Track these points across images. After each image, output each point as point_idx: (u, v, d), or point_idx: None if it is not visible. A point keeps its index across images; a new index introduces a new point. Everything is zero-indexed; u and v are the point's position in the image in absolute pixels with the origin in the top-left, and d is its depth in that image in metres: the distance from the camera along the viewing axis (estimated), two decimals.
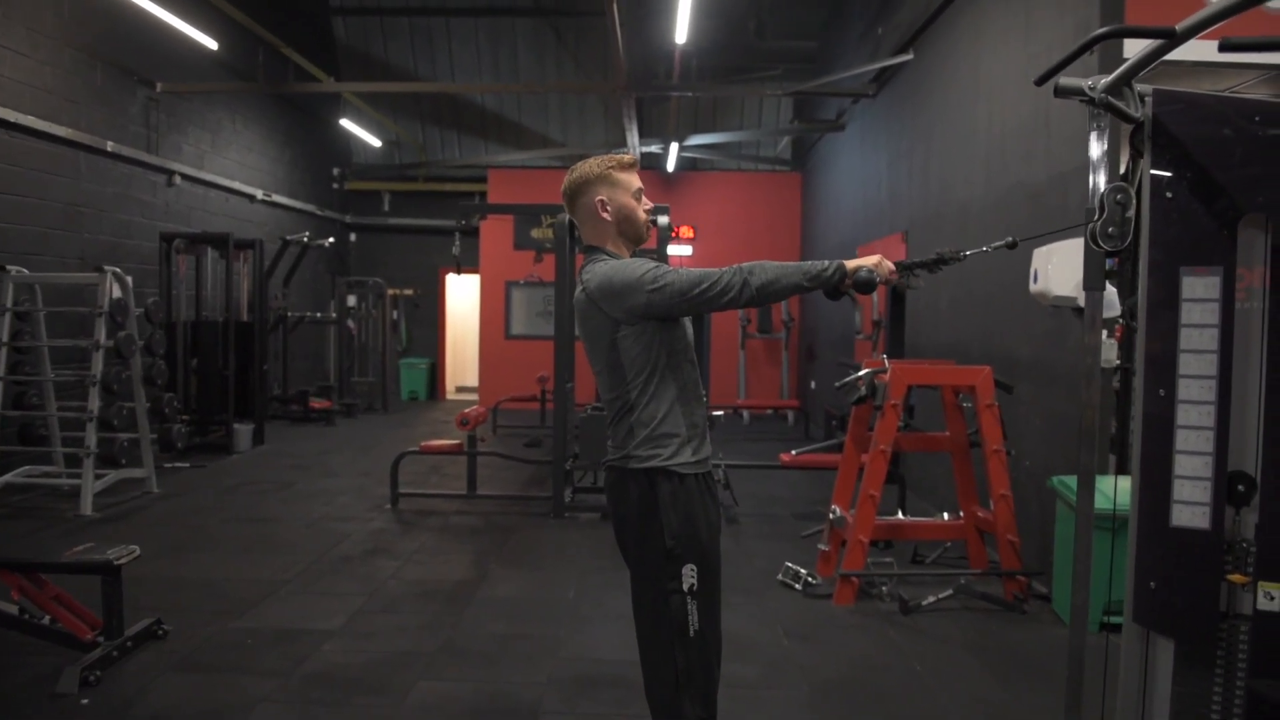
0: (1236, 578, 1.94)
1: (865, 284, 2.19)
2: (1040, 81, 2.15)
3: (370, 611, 4.14)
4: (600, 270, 2.18)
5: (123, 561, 3.44)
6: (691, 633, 2.12)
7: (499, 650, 3.70)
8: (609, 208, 2.25)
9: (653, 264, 2.16)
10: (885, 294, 8.10)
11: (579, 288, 2.24)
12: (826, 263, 2.16)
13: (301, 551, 5.10)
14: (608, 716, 3.11)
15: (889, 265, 2.24)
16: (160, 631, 3.70)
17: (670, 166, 12.28)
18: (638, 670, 2.22)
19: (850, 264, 2.19)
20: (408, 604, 4.27)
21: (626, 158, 2.31)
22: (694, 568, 2.13)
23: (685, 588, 2.12)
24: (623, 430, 2.20)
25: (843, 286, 2.19)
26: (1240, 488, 1.95)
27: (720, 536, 2.28)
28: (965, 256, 2.41)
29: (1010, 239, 2.44)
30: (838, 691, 3.34)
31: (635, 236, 2.29)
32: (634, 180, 2.30)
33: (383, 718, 3.08)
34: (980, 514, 4.57)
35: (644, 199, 2.30)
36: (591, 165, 2.28)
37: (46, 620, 3.46)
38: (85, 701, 3.10)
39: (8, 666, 3.39)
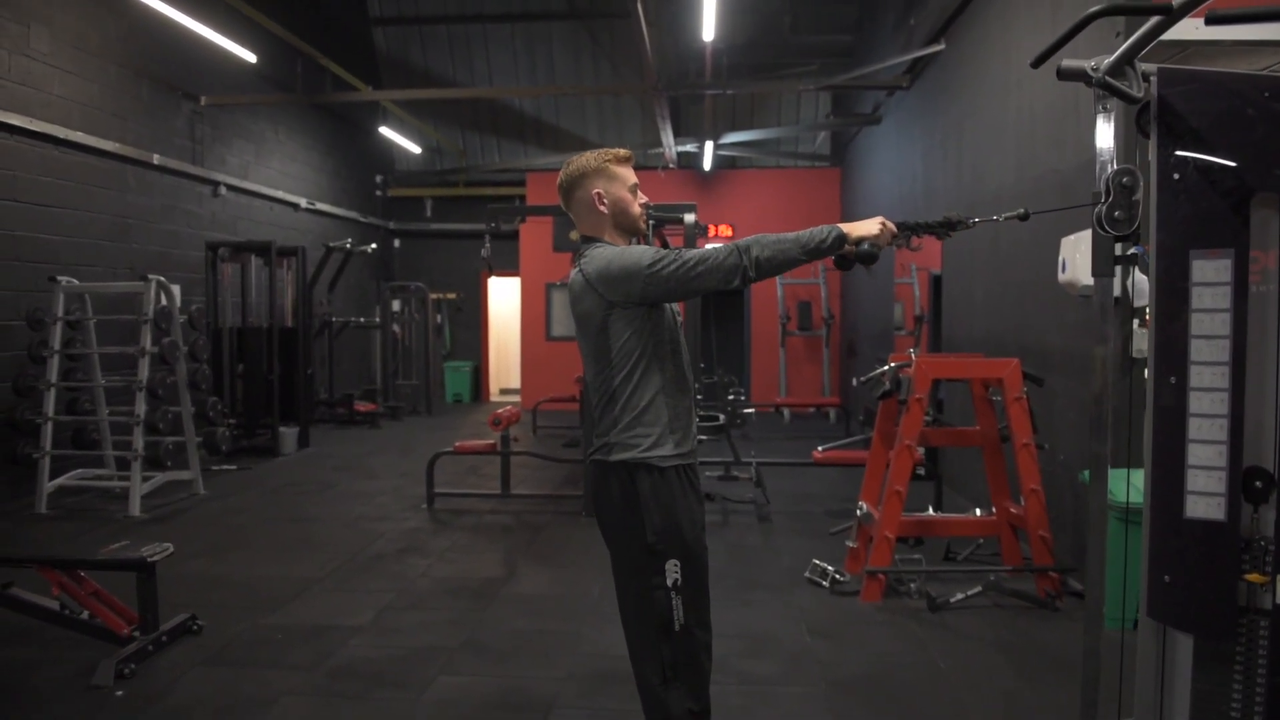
0: (1255, 577, 1.86)
1: (868, 257, 2.17)
2: (1036, 63, 2.10)
3: (398, 608, 4.21)
4: (601, 254, 2.18)
5: (156, 558, 3.56)
6: (677, 627, 2.12)
7: (520, 646, 3.74)
8: (605, 200, 2.25)
9: (654, 249, 2.16)
10: (927, 289, 7.97)
11: (575, 270, 2.24)
12: (824, 232, 2.12)
13: (337, 550, 5.20)
14: (622, 712, 3.11)
15: (891, 228, 2.19)
16: (195, 627, 3.81)
17: (706, 165, 12.24)
18: None
19: (851, 231, 2.15)
20: (435, 600, 4.33)
21: (622, 152, 2.32)
22: (677, 563, 2.13)
23: (669, 583, 2.13)
24: (607, 420, 2.20)
25: (846, 252, 2.16)
26: (1257, 484, 1.87)
27: (705, 531, 2.27)
28: (975, 223, 2.36)
29: (1022, 210, 2.40)
30: (856, 688, 3.30)
31: (630, 229, 2.30)
32: (630, 175, 2.30)
33: (401, 711, 3.13)
34: (1012, 509, 4.48)
35: (639, 194, 2.30)
36: (588, 159, 2.29)
37: (85, 615, 3.59)
38: (120, 693, 3.21)
39: (48, 660, 3.52)
